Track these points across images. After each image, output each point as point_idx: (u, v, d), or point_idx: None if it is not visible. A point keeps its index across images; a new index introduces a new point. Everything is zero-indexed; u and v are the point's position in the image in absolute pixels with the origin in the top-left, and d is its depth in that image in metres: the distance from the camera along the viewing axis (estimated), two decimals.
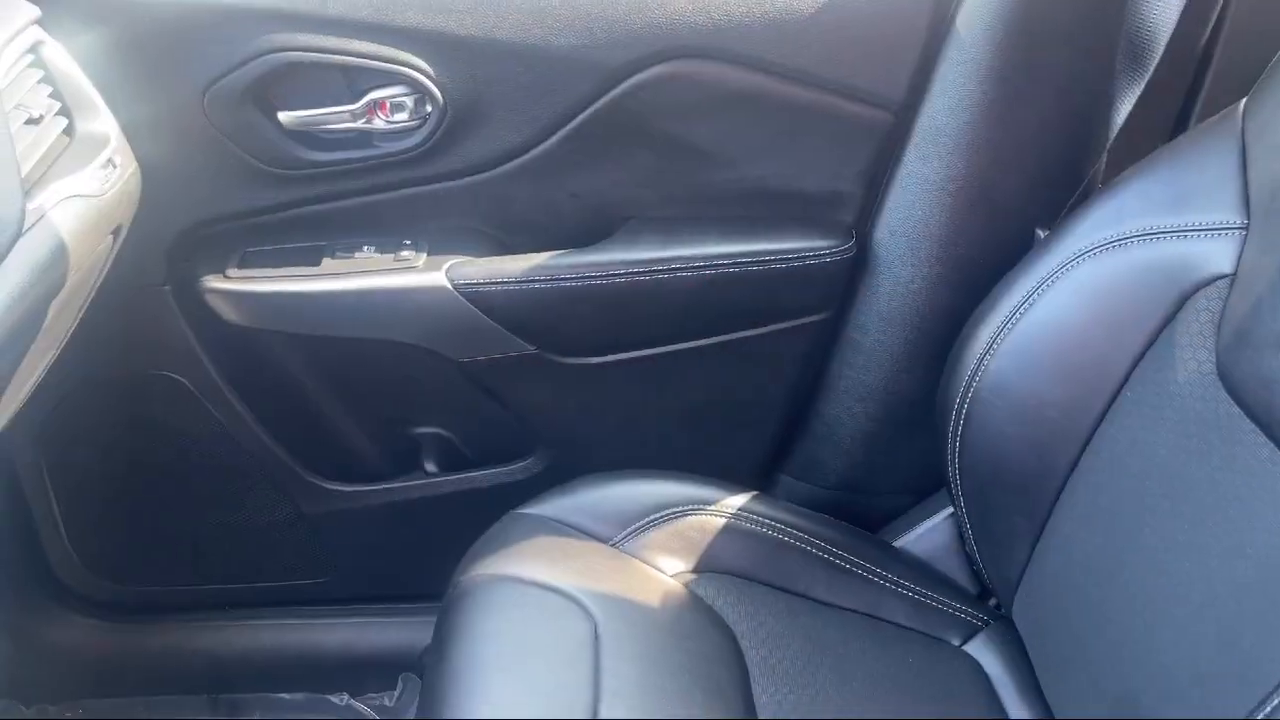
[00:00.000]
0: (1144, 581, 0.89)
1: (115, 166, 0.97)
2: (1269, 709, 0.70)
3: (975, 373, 1.02)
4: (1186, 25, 1.01)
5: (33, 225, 0.85)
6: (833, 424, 1.23)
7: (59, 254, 0.87)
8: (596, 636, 0.93)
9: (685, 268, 1.10)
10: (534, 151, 1.08)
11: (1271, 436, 0.81)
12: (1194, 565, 0.84)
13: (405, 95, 1.03)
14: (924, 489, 1.22)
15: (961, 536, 1.12)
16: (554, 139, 1.07)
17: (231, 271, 1.08)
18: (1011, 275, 1.02)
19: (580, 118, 1.06)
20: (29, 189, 0.86)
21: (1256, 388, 0.83)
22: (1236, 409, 0.85)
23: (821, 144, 1.08)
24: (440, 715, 0.86)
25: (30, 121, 0.91)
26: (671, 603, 1.01)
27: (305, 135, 1.04)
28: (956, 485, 1.08)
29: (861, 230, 1.13)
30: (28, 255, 0.83)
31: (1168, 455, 0.90)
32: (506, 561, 1.00)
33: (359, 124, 1.04)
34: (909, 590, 1.11)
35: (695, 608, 1.01)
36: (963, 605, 1.11)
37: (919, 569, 1.15)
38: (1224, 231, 0.90)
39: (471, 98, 1.03)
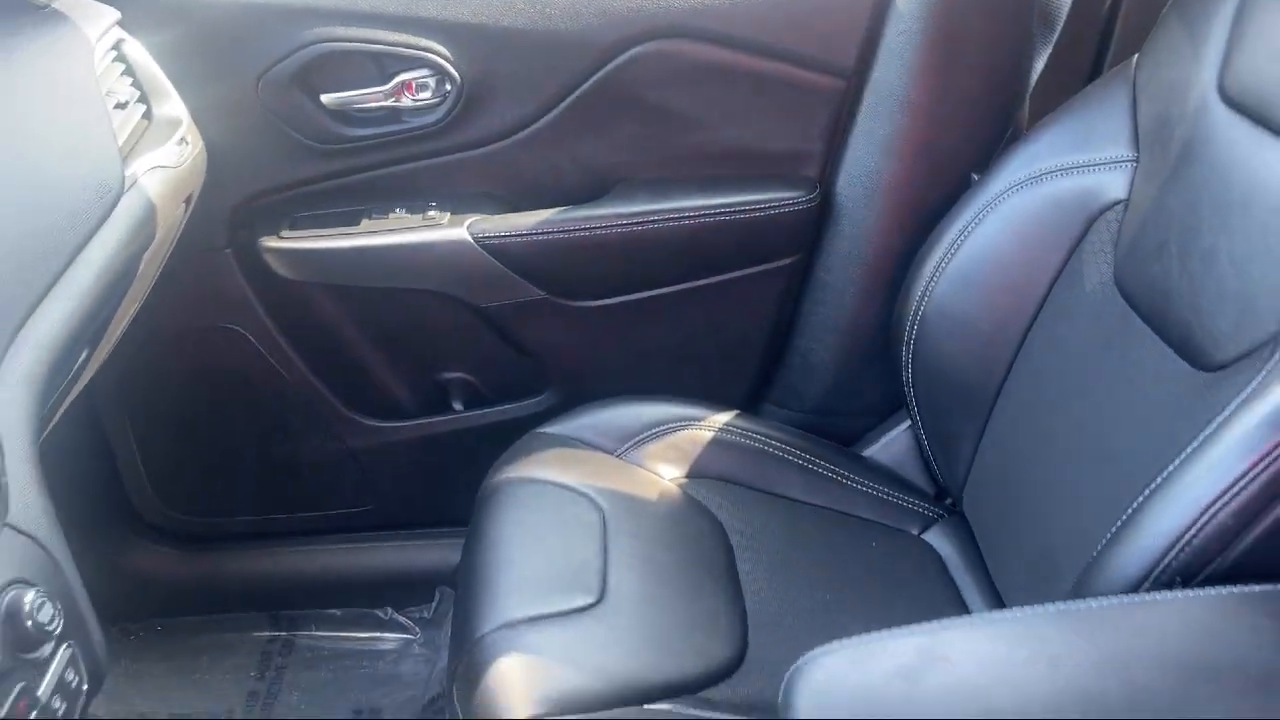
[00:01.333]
0: (1062, 460, 1.06)
1: (187, 143, 1.16)
2: (1166, 562, 0.81)
3: (922, 299, 1.20)
4: None
5: (128, 189, 1.03)
6: (806, 355, 1.40)
7: (149, 214, 1.05)
8: (604, 522, 1.11)
9: (671, 219, 1.28)
10: (539, 123, 1.25)
11: (1154, 328, 0.98)
12: (1100, 441, 1.01)
13: (428, 76, 1.21)
14: (887, 410, 1.39)
15: (918, 444, 1.29)
16: (555, 111, 1.24)
17: (284, 233, 1.26)
18: (950, 214, 1.19)
19: (577, 92, 1.23)
20: (124, 159, 1.04)
21: (1143, 290, 1.01)
22: (1129, 309, 1.02)
23: (785, 108, 1.26)
24: (475, 586, 1.04)
25: (118, 106, 1.09)
26: (667, 499, 1.18)
27: (344, 114, 1.22)
28: (911, 398, 1.25)
29: (823, 182, 1.30)
30: (126, 213, 1.02)
31: (1079, 352, 1.07)
32: (527, 468, 1.18)
33: (389, 102, 1.22)
34: (873, 490, 1.28)
35: (687, 503, 1.18)
36: (920, 502, 1.29)
37: (882, 472, 1.32)
38: (1119, 164, 1.07)
39: (484, 77, 1.21)
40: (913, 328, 1.21)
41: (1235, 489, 0.73)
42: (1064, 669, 0.64)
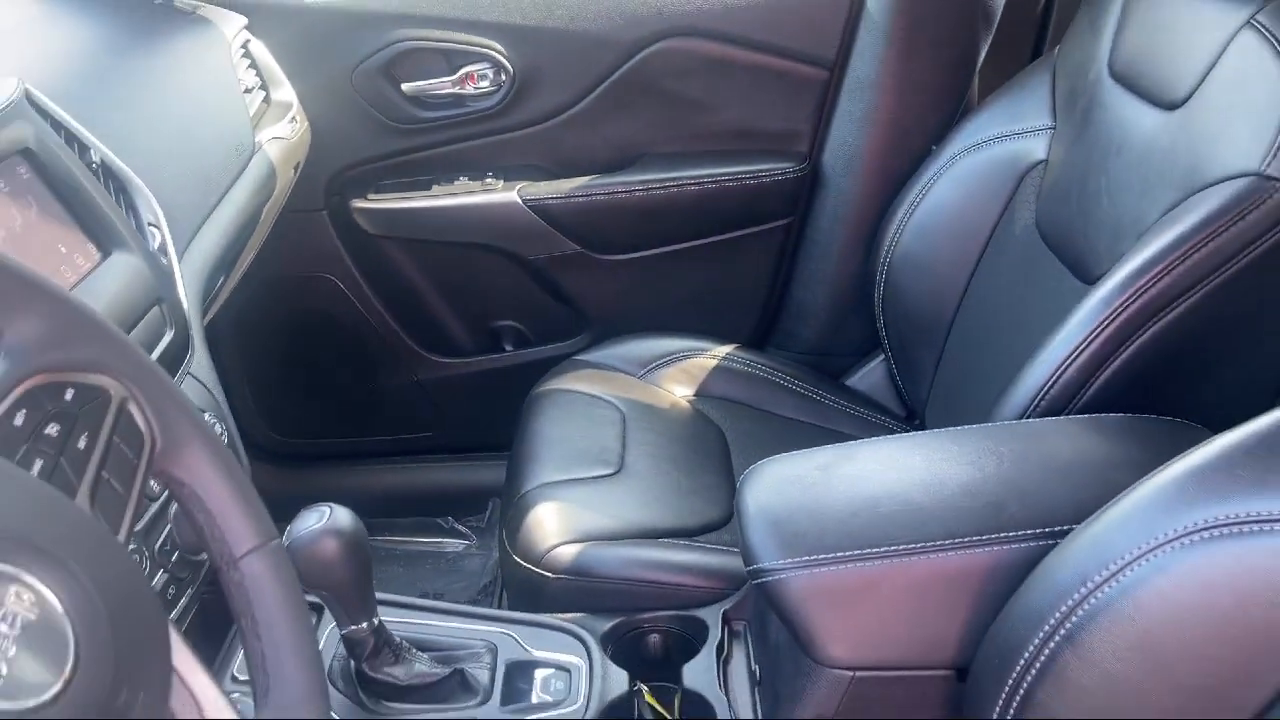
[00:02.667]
0: (992, 369, 1.30)
1: (296, 121, 1.46)
2: (1037, 400, 1.06)
3: (889, 249, 1.46)
4: None
5: (256, 151, 1.33)
6: (800, 303, 1.66)
7: (271, 173, 1.35)
8: (624, 421, 1.37)
9: (684, 185, 1.55)
10: (576, 107, 1.54)
11: (1059, 257, 1.23)
12: (1016, 346, 1.25)
13: (487, 69, 1.50)
14: (869, 348, 1.64)
15: (890, 373, 1.54)
16: (589, 98, 1.53)
17: (370, 196, 1.56)
18: (914, 177, 1.45)
19: (607, 82, 1.52)
20: (253, 130, 1.34)
21: (1053, 229, 1.26)
22: (1045, 246, 1.27)
23: (778, 94, 1.53)
24: (520, 462, 1.31)
25: (246, 90, 1.39)
26: (677, 409, 1.45)
27: (419, 99, 1.51)
28: (883, 333, 1.51)
29: (811, 156, 1.57)
30: (255, 170, 1.31)
31: (1008, 284, 1.32)
32: (564, 384, 1.45)
33: (455, 90, 1.51)
34: (852, 410, 1.53)
35: (694, 414, 1.45)
36: (892, 420, 1.53)
37: (861, 397, 1.57)
38: (1041, 131, 1.32)
39: (533, 69, 1.50)
40: (883, 273, 1.47)
41: (1086, 342, 0.98)
42: (945, 461, 0.89)
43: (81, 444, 0.53)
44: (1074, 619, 0.70)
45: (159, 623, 0.52)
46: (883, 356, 1.59)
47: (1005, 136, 1.36)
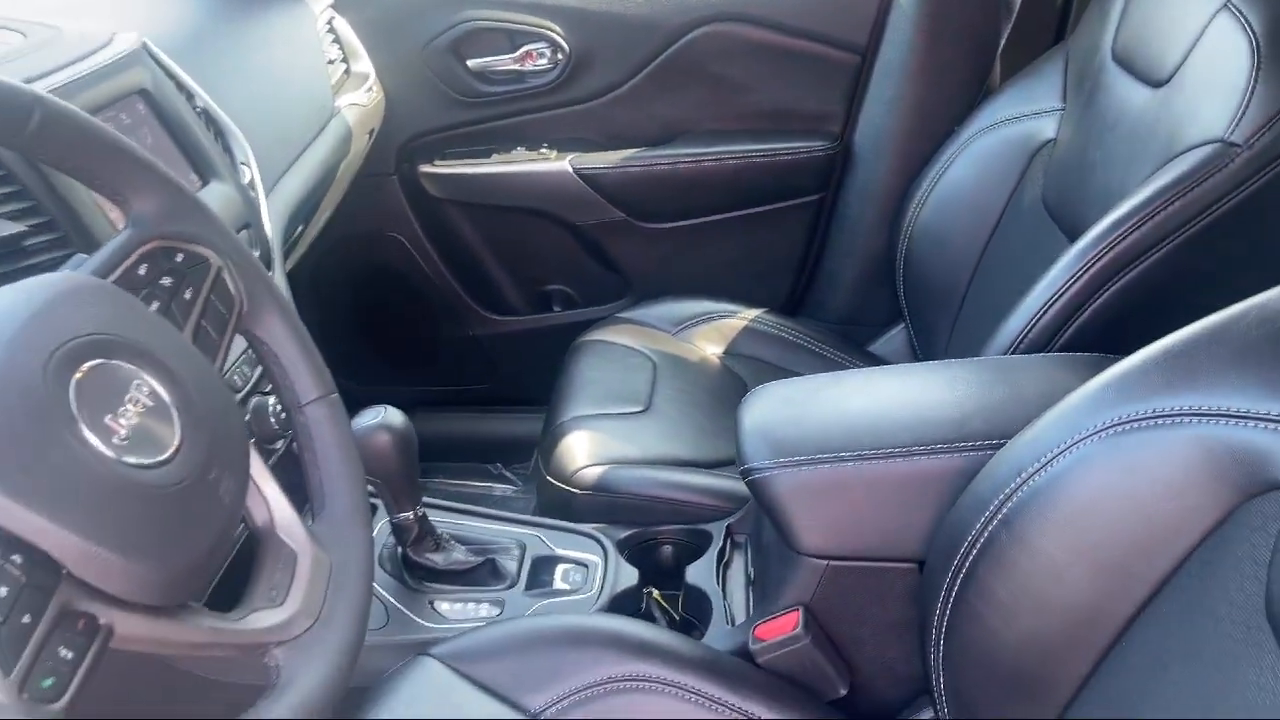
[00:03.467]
0: (993, 327, 1.40)
1: (372, 91, 1.62)
2: (1020, 338, 1.17)
3: (910, 223, 1.56)
4: None
5: (336, 114, 1.49)
6: (830, 274, 1.77)
7: (348, 134, 1.51)
8: (655, 369, 1.50)
9: (723, 159, 1.67)
10: (625, 86, 1.67)
11: (1061, 229, 1.33)
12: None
13: (545, 48, 1.64)
14: (893, 319, 1.74)
15: (909, 340, 1.65)
16: (638, 78, 1.66)
17: (436, 162, 1.71)
18: (935, 156, 1.55)
19: (655, 63, 1.65)
20: (334, 95, 1.50)
21: (1056, 202, 1.36)
22: (1049, 217, 1.37)
23: (814, 77, 1.65)
24: (558, 399, 1.44)
25: (329, 62, 1.56)
26: (705, 364, 1.57)
27: (483, 75, 1.66)
28: (903, 302, 1.61)
29: (843, 135, 1.68)
30: (334, 130, 1.47)
31: (1017, 255, 1.42)
32: (602, 335, 1.58)
33: (515, 67, 1.65)
34: None
35: (721, 368, 1.57)
36: None
37: (878, 360, 1.68)
38: (1052, 113, 1.42)
39: (587, 50, 1.64)
40: (904, 245, 1.58)
41: (1063, 288, 1.08)
42: (922, 385, 1.00)
43: (187, 295, 0.68)
44: (1010, 505, 0.81)
45: (242, 433, 0.66)
46: (902, 326, 1.70)
47: (1019, 118, 1.46)
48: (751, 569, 1.12)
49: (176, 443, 0.58)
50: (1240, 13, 1.08)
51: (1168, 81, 1.16)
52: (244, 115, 1.19)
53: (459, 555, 1.11)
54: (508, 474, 1.91)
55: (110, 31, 1.02)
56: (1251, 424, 0.70)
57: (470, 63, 1.66)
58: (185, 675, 0.85)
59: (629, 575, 1.13)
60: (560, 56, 1.65)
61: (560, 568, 1.13)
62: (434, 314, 1.86)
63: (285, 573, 0.66)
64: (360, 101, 1.56)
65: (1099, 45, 1.35)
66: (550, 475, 1.30)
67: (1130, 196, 1.09)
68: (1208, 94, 1.09)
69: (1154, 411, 0.75)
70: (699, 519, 1.22)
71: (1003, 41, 1.57)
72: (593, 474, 1.26)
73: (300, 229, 1.44)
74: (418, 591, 1.10)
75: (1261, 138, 1.03)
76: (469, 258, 1.81)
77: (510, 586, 1.10)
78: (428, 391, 1.94)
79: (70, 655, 0.51)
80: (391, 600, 1.09)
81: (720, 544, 1.16)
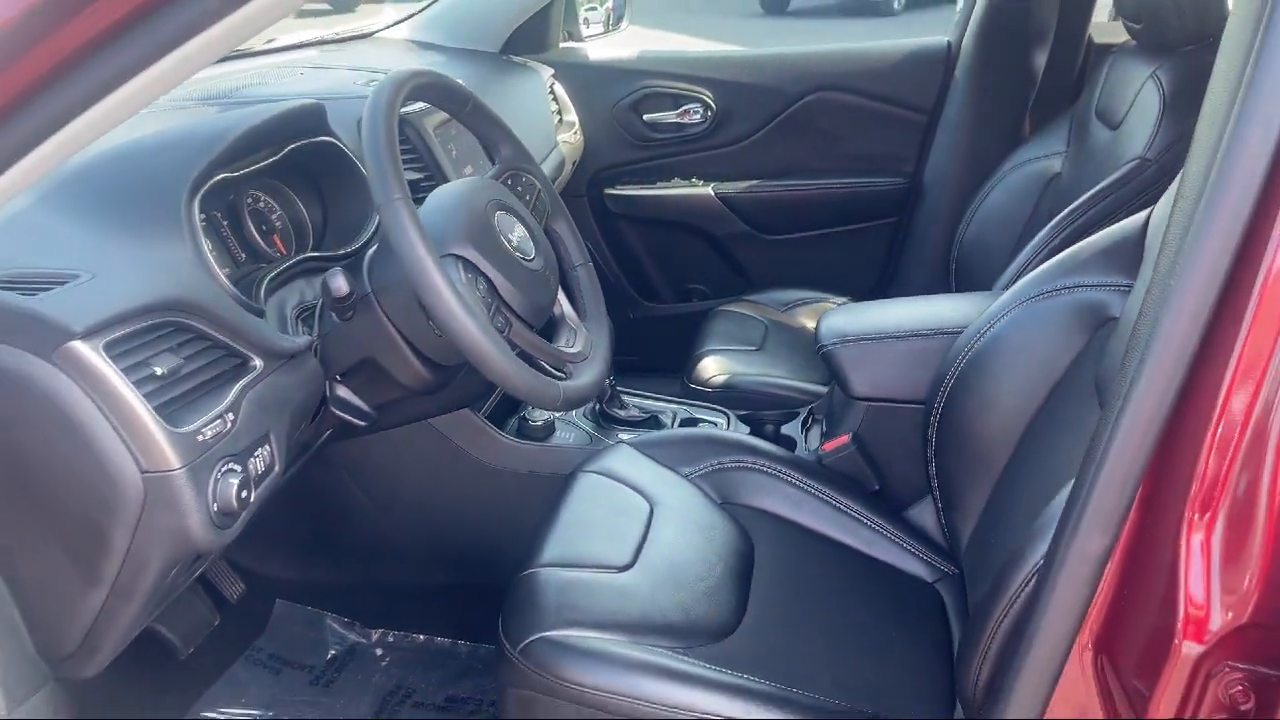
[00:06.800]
0: None
1: (578, 134, 2.31)
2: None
3: (960, 235, 2.15)
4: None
5: (554, 147, 2.18)
6: (903, 276, 2.36)
7: (560, 162, 2.19)
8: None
9: (826, 189, 2.30)
10: (754, 137, 2.33)
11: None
12: None
13: (698, 107, 2.31)
14: None
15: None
16: (765, 129, 2.32)
17: (617, 188, 2.39)
18: (980, 188, 2.14)
19: (777, 119, 2.30)
20: (554, 133, 2.20)
21: (1050, 210, 1.92)
22: (1048, 217, 1.94)
23: (893, 130, 2.27)
24: (697, 344, 2.05)
25: (552, 112, 2.25)
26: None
27: (654, 125, 2.34)
28: (953, 282, 2.18)
29: (915, 173, 2.29)
30: (553, 159, 2.15)
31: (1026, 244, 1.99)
32: (731, 308, 2.20)
33: (677, 120, 2.33)
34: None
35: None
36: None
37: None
38: (1060, 154, 2.00)
39: (728, 109, 2.30)
40: (955, 252, 2.15)
41: (1040, 234, 1.66)
42: (936, 302, 1.58)
43: (527, 198, 1.34)
44: (969, 355, 1.38)
45: (555, 263, 1.31)
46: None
47: (1039, 158, 2.04)
48: (824, 426, 1.70)
49: (535, 254, 1.23)
50: (1159, 79, 1.65)
51: (1119, 126, 1.74)
52: None
53: (634, 413, 1.73)
54: None
55: None
56: (1103, 289, 1.26)
57: (645, 117, 2.34)
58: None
59: (742, 429, 1.73)
60: (710, 113, 2.31)
61: (699, 425, 1.74)
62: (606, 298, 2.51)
63: (571, 334, 1.30)
64: (569, 140, 2.25)
65: (1089, 104, 1.93)
66: (692, 382, 1.92)
67: (1083, 194, 1.66)
68: (1137, 129, 1.66)
69: (1055, 287, 1.31)
70: (790, 405, 1.81)
71: (1030, 103, 2.17)
72: (721, 378, 1.87)
73: None
74: (609, 431, 1.72)
75: (1166, 155, 1.59)
76: (633, 258, 2.47)
77: (663, 428, 1.72)
78: None
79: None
80: (596, 434, 1.71)
81: (804, 416, 1.75)
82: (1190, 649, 0.70)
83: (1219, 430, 0.69)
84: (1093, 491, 0.75)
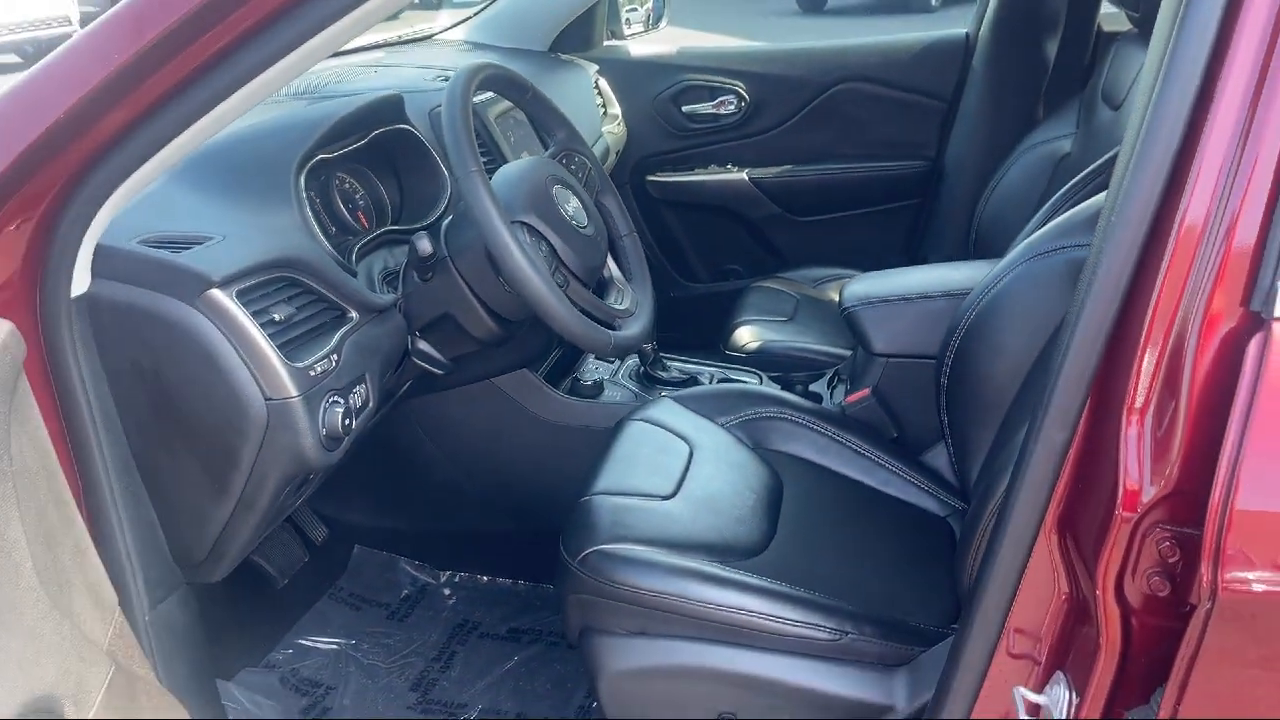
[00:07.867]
0: None
1: (621, 124, 2.49)
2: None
3: (979, 214, 2.30)
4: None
5: (600, 137, 2.36)
6: (925, 257, 2.51)
7: (605, 150, 2.37)
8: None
9: (852, 173, 2.47)
10: (786, 124, 2.50)
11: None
12: None
13: (733, 98, 2.48)
14: None
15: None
16: (795, 118, 2.49)
17: (658, 174, 2.57)
18: (996, 170, 2.29)
19: (806, 108, 2.47)
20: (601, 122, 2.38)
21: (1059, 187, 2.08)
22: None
23: (916, 117, 2.43)
24: (732, 315, 2.23)
25: (598, 104, 2.44)
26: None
27: (691, 116, 2.52)
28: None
29: (936, 158, 2.44)
30: (599, 148, 2.34)
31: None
32: (766, 284, 2.37)
33: (713, 110, 2.50)
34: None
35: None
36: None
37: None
38: (1070, 135, 2.15)
39: (760, 100, 2.47)
40: (974, 230, 2.31)
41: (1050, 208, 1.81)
42: (946, 268, 1.74)
43: (579, 175, 1.52)
44: (976, 311, 1.54)
45: (605, 230, 1.50)
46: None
47: (1051, 140, 2.19)
48: (847, 385, 1.87)
49: (588, 222, 1.41)
50: None
51: (1120, 106, 1.89)
52: None
53: (674, 373, 1.91)
54: None
55: None
56: (1085, 249, 1.42)
57: (683, 108, 2.52)
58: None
59: (773, 388, 1.90)
60: (743, 104, 2.49)
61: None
62: None
63: (619, 294, 1.48)
64: (613, 131, 2.43)
65: (1096, 88, 2.08)
66: (728, 349, 2.09)
67: (1088, 167, 1.81)
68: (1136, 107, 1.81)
69: (1050, 248, 1.47)
70: (818, 367, 1.98)
71: (1044, 89, 2.32)
72: (754, 344, 2.04)
73: None
74: (652, 390, 1.90)
75: None
76: (673, 241, 2.65)
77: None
78: None
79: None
80: (641, 394, 1.89)
81: (829, 375, 1.92)
82: (1128, 516, 0.86)
83: (1148, 345, 0.86)
84: (1054, 395, 0.92)
